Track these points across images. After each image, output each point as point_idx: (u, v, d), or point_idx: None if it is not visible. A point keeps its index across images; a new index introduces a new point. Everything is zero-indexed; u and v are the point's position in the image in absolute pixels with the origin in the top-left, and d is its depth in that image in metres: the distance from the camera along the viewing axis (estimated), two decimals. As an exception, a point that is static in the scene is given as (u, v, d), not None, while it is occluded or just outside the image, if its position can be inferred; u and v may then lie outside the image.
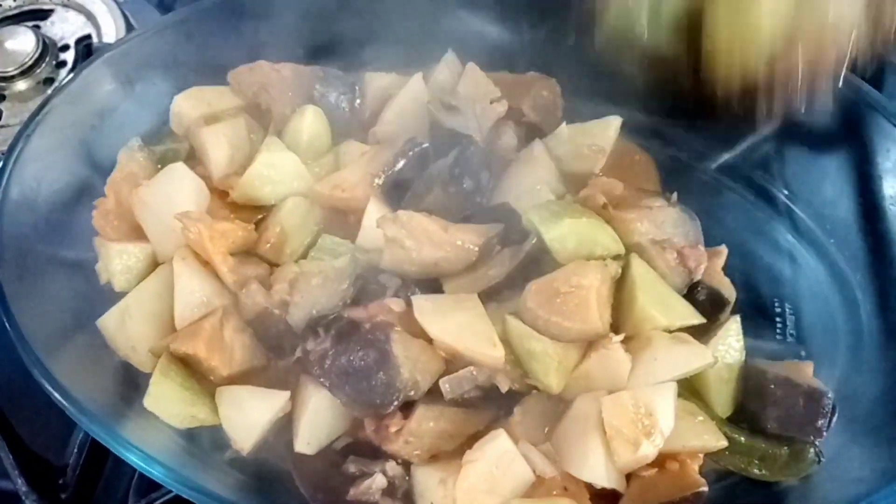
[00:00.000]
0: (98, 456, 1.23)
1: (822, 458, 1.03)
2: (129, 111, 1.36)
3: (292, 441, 1.07)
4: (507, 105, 1.35)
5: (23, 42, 1.70)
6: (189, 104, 1.33)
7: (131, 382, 1.15)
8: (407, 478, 1.04)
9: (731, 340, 1.11)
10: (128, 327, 1.14)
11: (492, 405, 1.06)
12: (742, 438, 1.05)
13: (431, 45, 1.42)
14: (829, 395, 1.05)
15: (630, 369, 1.02)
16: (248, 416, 1.06)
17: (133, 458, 0.94)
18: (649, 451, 0.97)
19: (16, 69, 1.68)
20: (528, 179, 1.29)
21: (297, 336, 1.10)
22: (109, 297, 1.19)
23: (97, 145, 1.32)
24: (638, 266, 1.10)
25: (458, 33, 1.44)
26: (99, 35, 1.75)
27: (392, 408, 1.02)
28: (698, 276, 1.16)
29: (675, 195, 1.29)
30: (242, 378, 1.11)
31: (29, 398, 1.17)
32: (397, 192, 1.23)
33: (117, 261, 1.19)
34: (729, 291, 1.18)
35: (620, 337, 1.04)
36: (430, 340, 1.06)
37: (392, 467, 1.04)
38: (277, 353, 1.14)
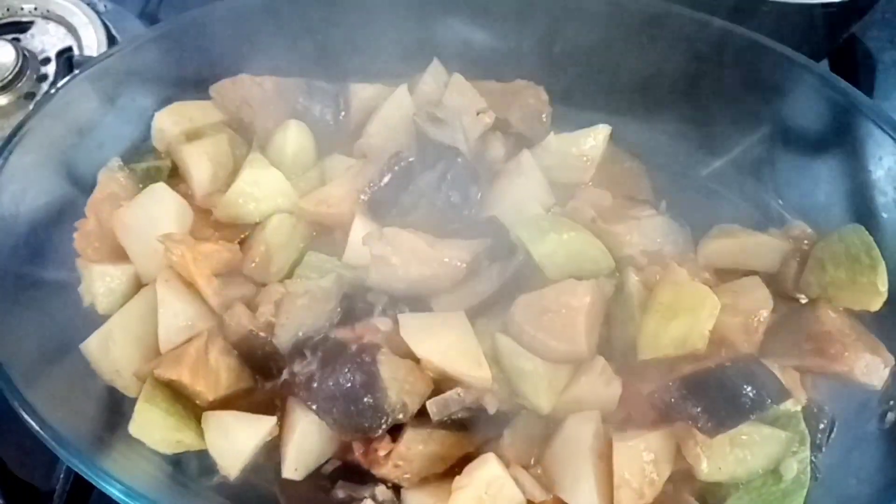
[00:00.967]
0: (85, 481, 1.21)
1: (818, 475, 1.01)
2: (110, 128, 1.33)
3: (280, 466, 1.05)
4: (494, 116, 1.33)
5: (2, 56, 1.66)
6: (170, 120, 1.30)
7: (116, 406, 1.13)
8: (397, 502, 1.03)
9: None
10: (112, 351, 1.12)
11: (481, 426, 1.05)
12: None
13: (416, 53, 1.40)
14: (827, 411, 1.04)
15: (619, 394, 1.00)
16: (235, 441, 1.05)
17: (115, 492, 0.92)
18: (650, 497, 0.96)
19: (-3, 83, 1.65)
20: (516, 191, 1.27)
21: (284, 358, 1.09)
22: (93, 319, 1.17)
23: (78, 163, 1.29)
24: (633, 282, 1.08)
25: (444, 41, 1.42)
26: (80, 47, 1.72)
27: (380, 431, 1.00)
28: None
29: (664, 204, 1.28)
30: (229, 401, 1.10)
31: (14, 423, 1.15)
32: (383, 207, 1.21)
33: (100, 283, 1.17)
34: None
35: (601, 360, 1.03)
36: (417, 360, 1.04)
37: (382, 491, 1.02)
38: (264, 376, 1.13)
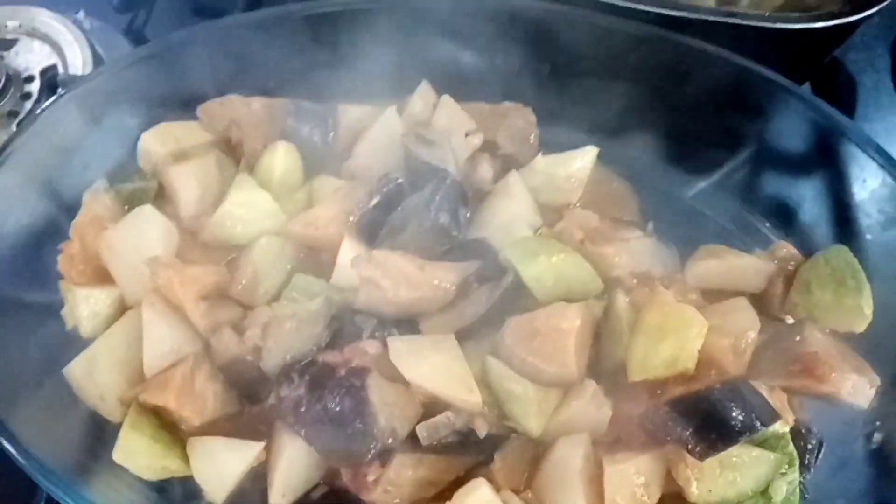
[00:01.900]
0: (66, 508, 1.20)
1: (807, 495, 1.02)
2: (95, 148, 1.32)
3: (266, 492, 1.04)
4: (483, 137, 1.33)
5: (-15, 74, 1.65)
6: (157, 141, 1.29)
7: (98, 432, 1.11)
8: (386, 528, 1.02)
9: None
10: (95, 376, 1.10)
11: (471, 450, 1.04)
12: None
13: (405, 75, 1.41)
14: (815, 431, 1.05)
15: (610, 417, 1.00)
16: (221, 467, 1.03)
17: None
18: None
19: (-22, 102, 1.63)
20: (504, 213, 1.27)
21: (271, 382, 1.08)
22: (76, 343, 1.16)
23: (63, 185, 1.28)
24: (622, 303, 1.09)
25: (433, 63, 1.42)
26: (65, 65, 1.70)
27: (369, 457, 0.99)
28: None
29: (650, 225, 1.29)
30: (215, 426, 1.08)
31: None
32: (372, 229, 1.20)
33: (84, 306, 1.16)
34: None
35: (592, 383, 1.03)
36: (406, 384, 1.03)
37: (371, 517, 1.01)
38: (251, 400, 1.11)
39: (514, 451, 1.04)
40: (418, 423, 1.02)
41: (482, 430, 1.03)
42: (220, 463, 1.03)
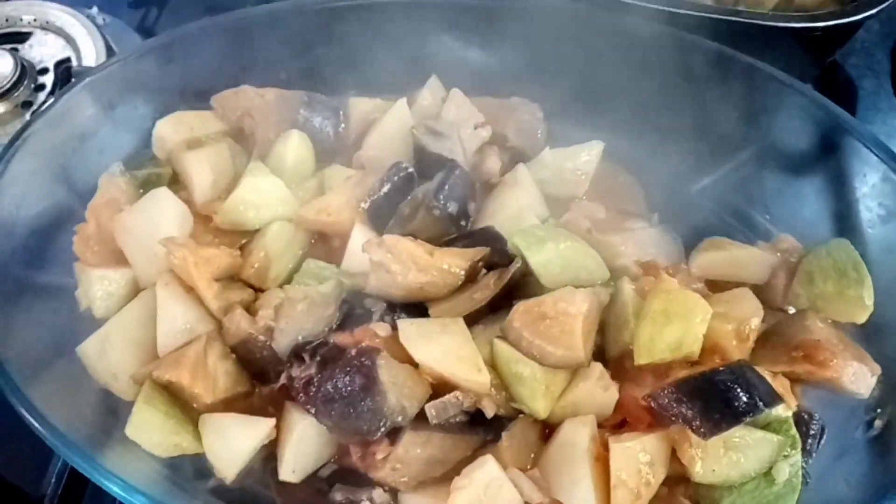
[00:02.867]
0: (76, 487, 1.21)
1: (809, 480, 1.03)
2: (110, 136, 1.35)
3: (277, 469, 1.05)
4: (491, 130, 1.36)
5: (0, 65, 1.67)
6: (171, 128, 1.32)
7: (110, 411, 1.13)
8: (394, 506, 1.03)
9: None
10: (108, 354, 1.12)
11: (479, 430, 1.05)
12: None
13: (415, 70, 1.44)
14: (817, 418, 1.06)
15: (616, 399, 1.02)
16: (232, 444, 1.05)
17: (115, 489, 0.92)
18: (646, 498, 0.97)
19: (-7, 92, 1.66)
20: (512, 203, 1.29)
21: (282, 362, 1.09)
22: (89, 323, 1.17)
23: (78, 170, 1.30)
24: (628, 290, 1.11)
25: (442, 59, 1.45)
26: (78, 58, 1.73)
27: (379, 434, 1.01)
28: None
29: (655, 217, 1.31)
30: (226, 405, 1.10)
31: (4, 428, 1.15)
32: (382, 216, 1.23)
33: (97, 286, 1.17)
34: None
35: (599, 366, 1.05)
36: (415, 365, 1.05)
37: (379, 495, 1.03)
38: (261, 380, 1.13)
39: (521, 431, 1.05)
40: (427, 402, 1.04)
41: (490, 411, 1.04)
42: (232, 439, 1.04)
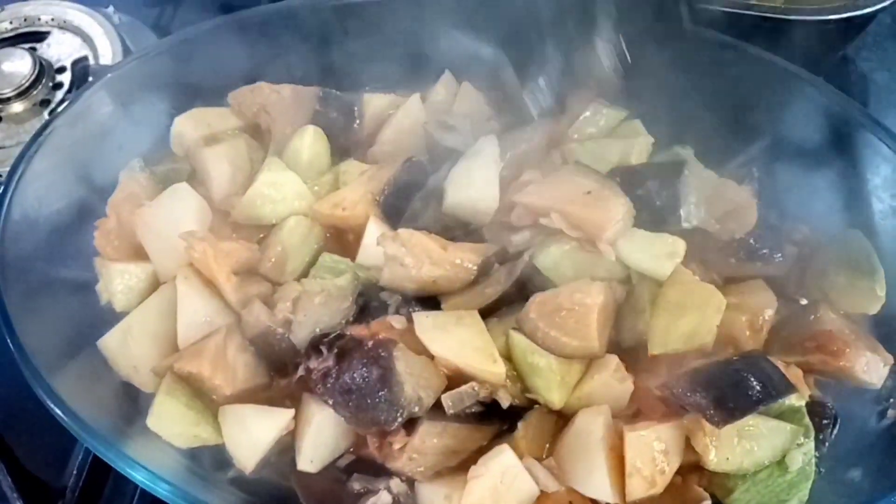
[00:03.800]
0: (98, 477, 1.23)
1: (822, 469, 1.04)
2: (129, 133, 1.36)
3: (295, 459, 1.07)
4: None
5: (19, 64, 1.70)
6: (190, 125, 1.34)
7: (131, 403, 1.15)
8: (411, 494, 1.05)
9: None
10: (130, 347, 1.14)
11: (494, 420, 1.07)
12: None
13: (428, 66, 1.45)
14: (830, 406, 1.07)
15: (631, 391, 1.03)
16: (252, 434, 1.06)
17: (139, 477, 0.94)
18: (661, 486, 0.99)
19: (12, 91, 1.68)
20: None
21: (300, 354, 1.11)
22: (109, 317, 1.19)
23: (98, 167, 1.32)
24: (645, 281, 1.12)
25: (455, 54, 1.46)
26: (95, 57, 1.75)
27: (396, 424, 1.02)
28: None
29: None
30: (245, 397, 1.11)
31: (27, 419, 1.17)
32: (397, 210, 1.24)
33: (118, 280, 1.19)
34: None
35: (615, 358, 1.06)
36: (431, 357, 1.06)
37: (396, 484, 1.04)
38: (280, 372, 1.15)
39: (536, 421, 1.06)
40: (443, 393, 1.05)
41: (505, 401, 1.05)
42: (251, 430, 1.06)
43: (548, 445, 1.07)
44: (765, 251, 1.15)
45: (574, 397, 1.07)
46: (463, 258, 1.16)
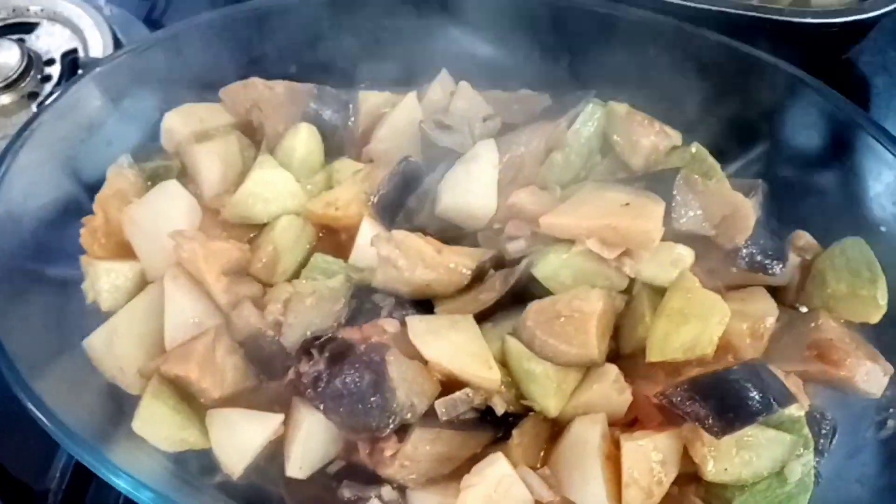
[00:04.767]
0: (81, 481, 1.21)
1: (820, 480, 1.02)
2: (118, 128, 1.34)
3: (284, 465, 1.05)
4: (501, 122, 1.34)
5: (7, 55, 1.67)
6: (180, 121, 1.31)
7: (116, 405, 1.12)
8: (403, 502, 1.02)
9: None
10: (115, 348, 1.11)
11: (488, 428, 1.05)
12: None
13: (425, 64, 1.42)
14: (829, 417, 1.05)
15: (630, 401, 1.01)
16: (240, 439, 1.04)
17: (122, 484, 0.91)
18: (658, 497, 0.97)
19: (0, 82, 1.65)
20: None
21: (290, 357, 1.08)
22: (96, 316, 1.17)
23: (85, 162, 1.30)
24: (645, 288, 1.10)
25: (452, 52, 1.44)
26: (85, 49, 1.72)
27: (388, 431, 1.00)
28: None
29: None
30: (233, 400, 1.09)
31: (9, 422, 1.15)
32: (391, 211, 1.22)
33: (105, 279, 1.17)
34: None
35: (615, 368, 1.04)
36: (425, 362, 1.04)
37: (388, 492, 1.02)
38: (269, 375, 1.12)
39: (531, 429, 1.04)
40: (436, 399, 1.03)
41: (500, 408, 1.03)
42: (239, 434, 1.04)
43: (542, 454, 1.05)
44: (767, 262, 1.12)
45: (571, 406, 1.04)
46: (457, 262, 1.14)
